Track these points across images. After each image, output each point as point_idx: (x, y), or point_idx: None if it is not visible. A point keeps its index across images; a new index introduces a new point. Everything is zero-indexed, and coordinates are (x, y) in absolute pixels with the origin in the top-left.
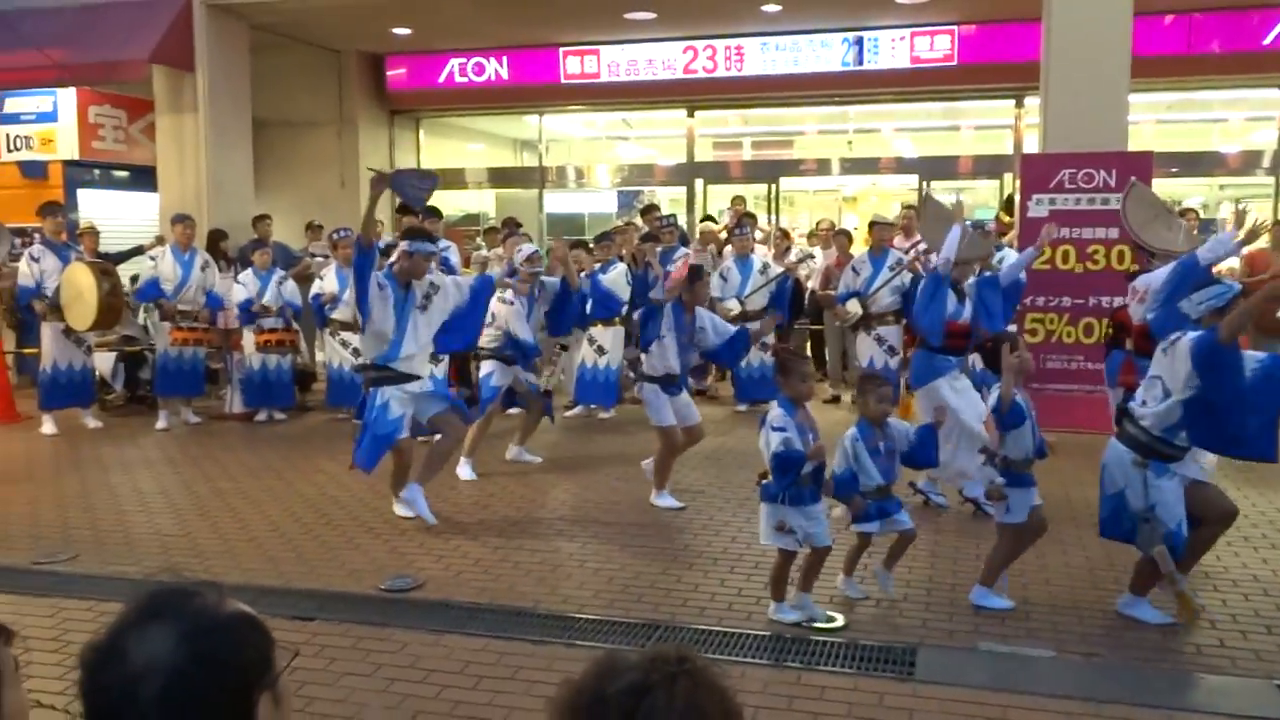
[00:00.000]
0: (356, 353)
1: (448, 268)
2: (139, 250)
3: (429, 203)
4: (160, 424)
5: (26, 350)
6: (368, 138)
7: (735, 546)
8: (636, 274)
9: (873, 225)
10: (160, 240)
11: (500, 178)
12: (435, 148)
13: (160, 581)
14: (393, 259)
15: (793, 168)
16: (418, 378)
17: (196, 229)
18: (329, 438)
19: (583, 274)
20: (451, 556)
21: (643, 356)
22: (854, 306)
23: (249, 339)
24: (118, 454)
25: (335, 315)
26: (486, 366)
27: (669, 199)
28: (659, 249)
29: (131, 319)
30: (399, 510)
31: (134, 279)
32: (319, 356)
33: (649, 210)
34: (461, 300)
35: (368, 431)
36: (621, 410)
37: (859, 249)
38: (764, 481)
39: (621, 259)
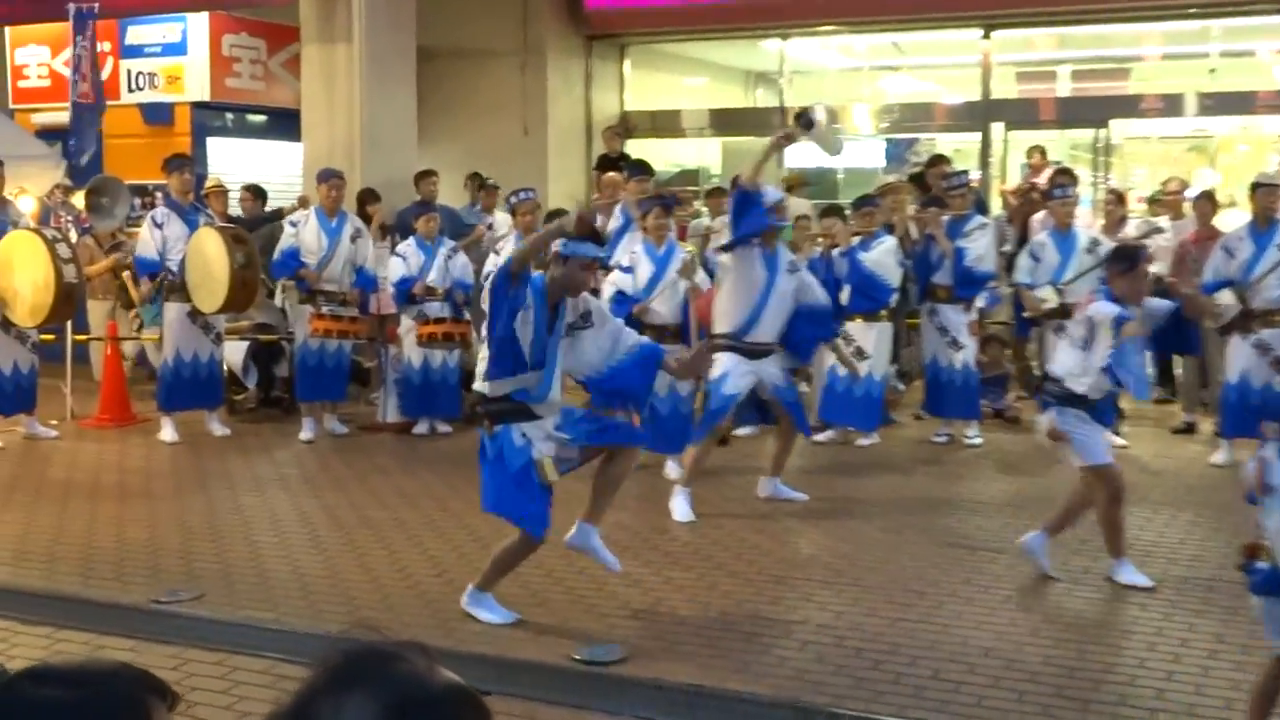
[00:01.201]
0: None
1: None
2: (278, 215)
3: (633, 156)
4: (305, 434)
5: (145, 336)
6: (558, 72)
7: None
8: (914, 251)
9: (1256, 188)
10: (304, 202)
11: (728, 122)
12: (644, 84)
13: (353, 639)
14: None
15: (1129, 106)
16: (553, 411)
17: (346, 189)
18: None
19: (837, 250)
20: (664, 622)
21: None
22: (1227, 298)
23: (409, 330)
24: (249, 469)
25: None
26: (720, 364)
27: (955, 148)
28: (945, 217)
29: (268, 302)
30: (591, 545)
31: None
32: None
33: (935, 163)
34: (614, 355)
35: (501, 475)
36: (888, 436)
37: (1231, 219)
38: (1258, 563)
39: (891, 230)
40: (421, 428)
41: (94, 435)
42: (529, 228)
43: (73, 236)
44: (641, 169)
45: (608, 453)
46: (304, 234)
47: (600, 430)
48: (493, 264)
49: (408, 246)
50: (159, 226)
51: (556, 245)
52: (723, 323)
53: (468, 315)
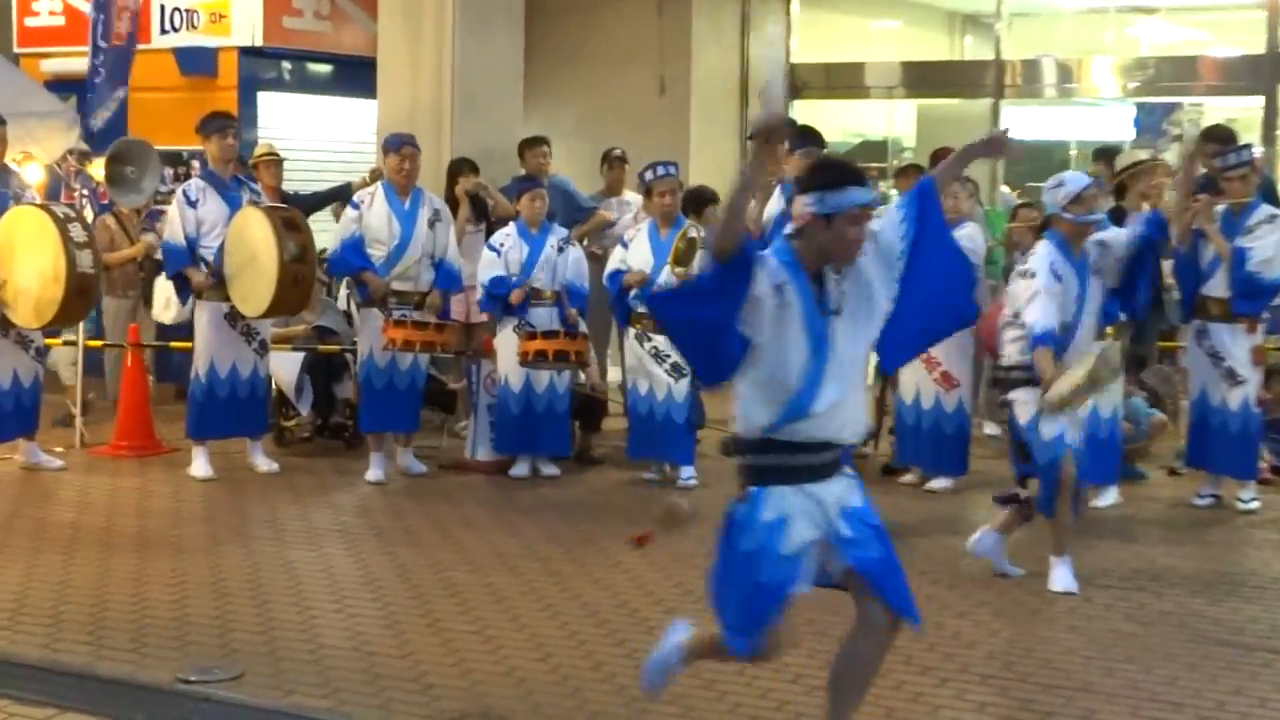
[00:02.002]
0: (677, 368)
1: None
2: (345, 191)
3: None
4: (372, 474)
5: (174, 344)
6: (706, 14)
7: None
8: (1176, 253)
9: None
10: (375, 175)
11: (926, 79)
12: (816, 31)
13: None
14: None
15: None
16: (835, 453)
17: (422, 160)
18: (629, 513)
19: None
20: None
21: None
22: None
23: (507, 342)
24: (301, 516)
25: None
26: (1023, 404)
27: (1230, 117)
28: (1220, 208)
29: (328, 302)
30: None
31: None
32: (612, 374)
33: (1214, 137)
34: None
35: (727, 557)
36: (1131, 494)
37: None
38: None
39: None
40: (521, 468)
41: (108, 467)
42: (668, 213)
43: (89, 215)
44: (810, 139)
45: (860, 613)
46: (370, 218)
47: (882, 568)
48: (619, 261)
49: (507, 235)
50: (192, 204)
51: (807, 205)
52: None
53: (583, 327)
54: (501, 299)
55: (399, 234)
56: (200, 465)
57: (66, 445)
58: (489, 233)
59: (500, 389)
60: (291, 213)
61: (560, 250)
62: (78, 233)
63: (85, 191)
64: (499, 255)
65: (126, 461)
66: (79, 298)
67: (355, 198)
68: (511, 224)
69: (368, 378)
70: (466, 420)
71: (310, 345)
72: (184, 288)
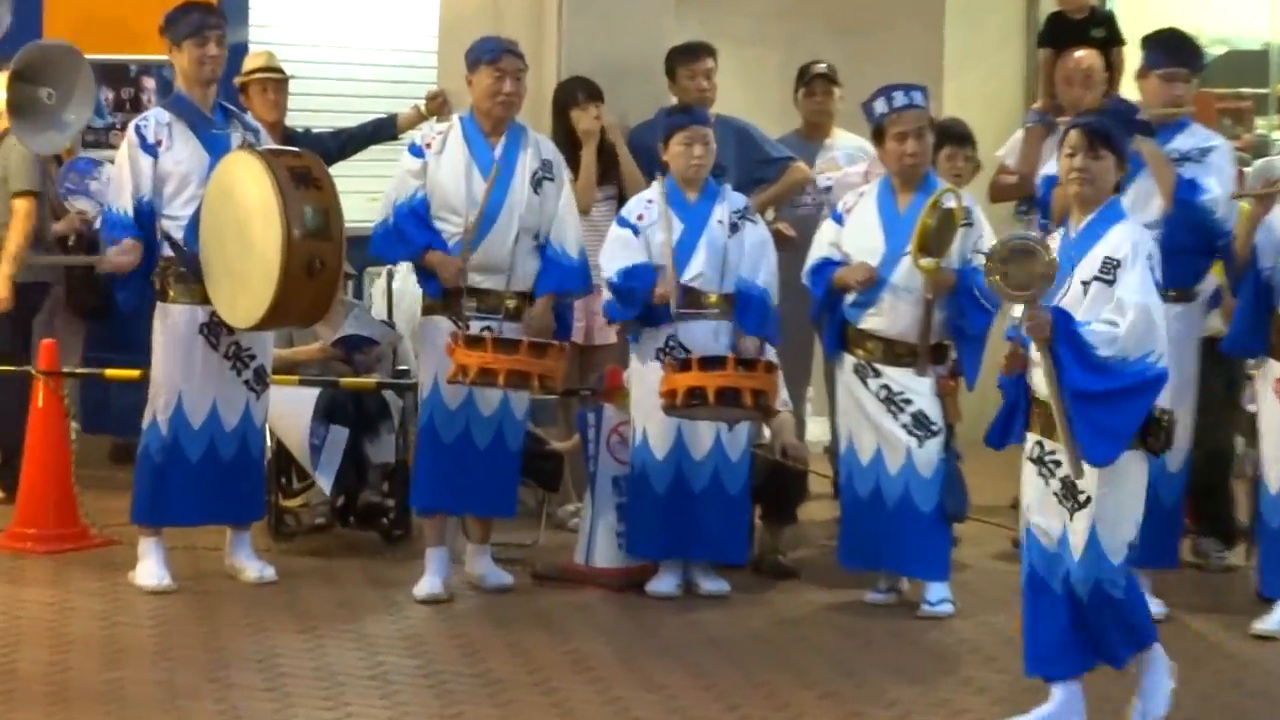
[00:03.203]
0: (922, 421)
1: None
2: (387, 128)
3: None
4: (427, 585)
5: (111, 373)
6: None
7: None
8: None
9: None
10: (437, 106)
11: None
12: None
13: None
14: None
15: None
16: None
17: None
18: (842, 658)
19: None
20: None
21: None
22: None
23: (646, 377)
24: (314, 655)
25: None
26: None
27: None
28: None
29: (356, 306)
30: None
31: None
32: (814, 429)
33: None
34: None
35: None
36: None
37: None
38: None
39: None
40: (666, 583)
41: (6, 569)
42: (911, 167)
43: None
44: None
45: None
46: (439, 173)
47: None
48: (829, 246)
49: (648, 203)
50: (150, 149)
51: None
52: None
53: (769, 354)
54: (639, 300)
55: (485, 198)
56: (151, 569)
57: None
58: (621, 201)
59: (635, 452)
60: (304, 160)
61: (734, 228)
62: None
63: None
64: (636, 234)
65: (33, 561)
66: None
67: (415, 139)
68: (654, 185)
69: (429, 428)
70: (579, 503)
71: (330, 379)
72: (128, 284)
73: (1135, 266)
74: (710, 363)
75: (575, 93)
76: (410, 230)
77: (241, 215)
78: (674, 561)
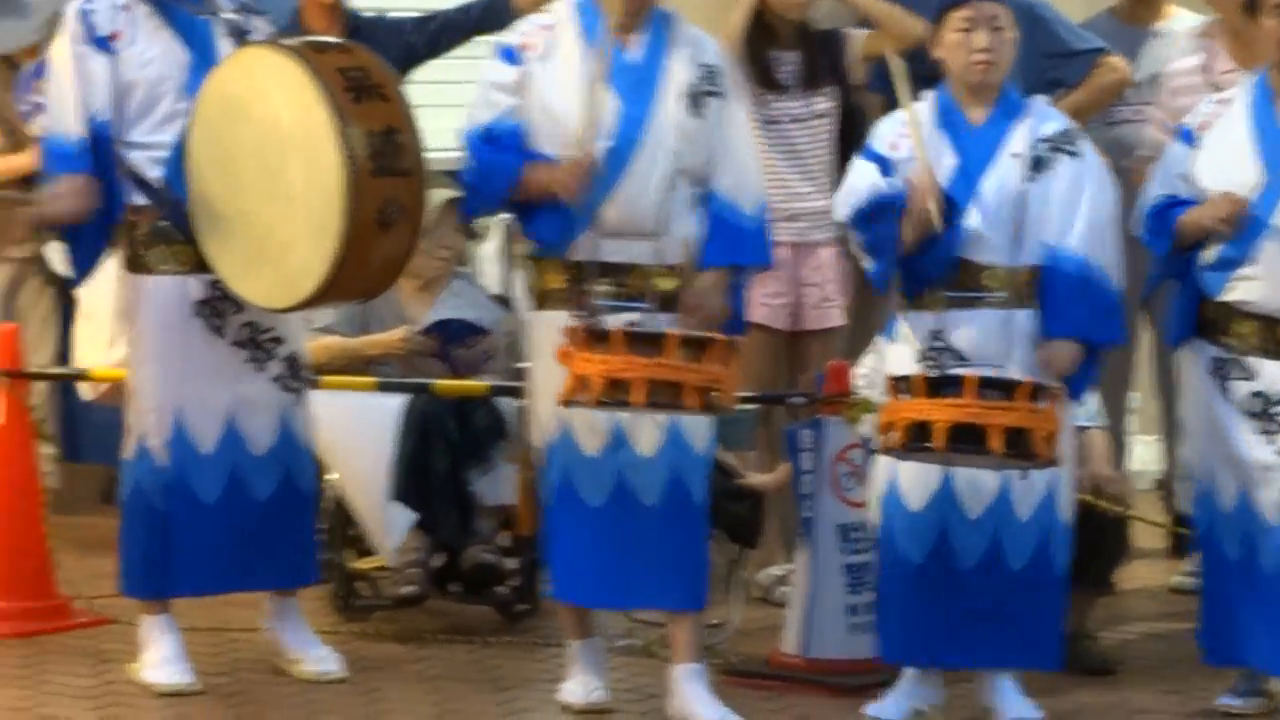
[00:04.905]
0: None
1: None
2: (498, 10)
3: None
4: (581, 690)
5: (96, 372)
6: None
7: None
8: None
9: None
10: None
11: None
12: None
13: None
14: None
15: None
16: None
17: None
18: None
19: None
20: None
21: None
22: None
23: (874, 389)
24: None
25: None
26: None
27: None
28: None
29: (461, 278)
30: None
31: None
32: (1144, 454)
33: None
34: None
35: None
36: None
37: None
38: None
39: None
40: (920, 692)
41: None
42: None
43: None
44: None
45: None
46: (542, 86)
47: None
48: (1174, 176)
49: (902, 128)
50: (101, 43)
51: None
52: None
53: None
54: (885, 245)
55: (615, 122)
56: (161, 660)
57: None
58: (849, 143)
59: (884, 501)
60: (358, 57)
61: (1037, 164)
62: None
63: None
64: (886, 170)
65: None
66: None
67: (506, 40)
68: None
69: (563, 486)
70: (788, 564)
71: (418, 379)
72: (79, 243)
73: None
74: (943, 385)
75: None
76: (505, 167)
77: (267, 144)
78: (931, 656)
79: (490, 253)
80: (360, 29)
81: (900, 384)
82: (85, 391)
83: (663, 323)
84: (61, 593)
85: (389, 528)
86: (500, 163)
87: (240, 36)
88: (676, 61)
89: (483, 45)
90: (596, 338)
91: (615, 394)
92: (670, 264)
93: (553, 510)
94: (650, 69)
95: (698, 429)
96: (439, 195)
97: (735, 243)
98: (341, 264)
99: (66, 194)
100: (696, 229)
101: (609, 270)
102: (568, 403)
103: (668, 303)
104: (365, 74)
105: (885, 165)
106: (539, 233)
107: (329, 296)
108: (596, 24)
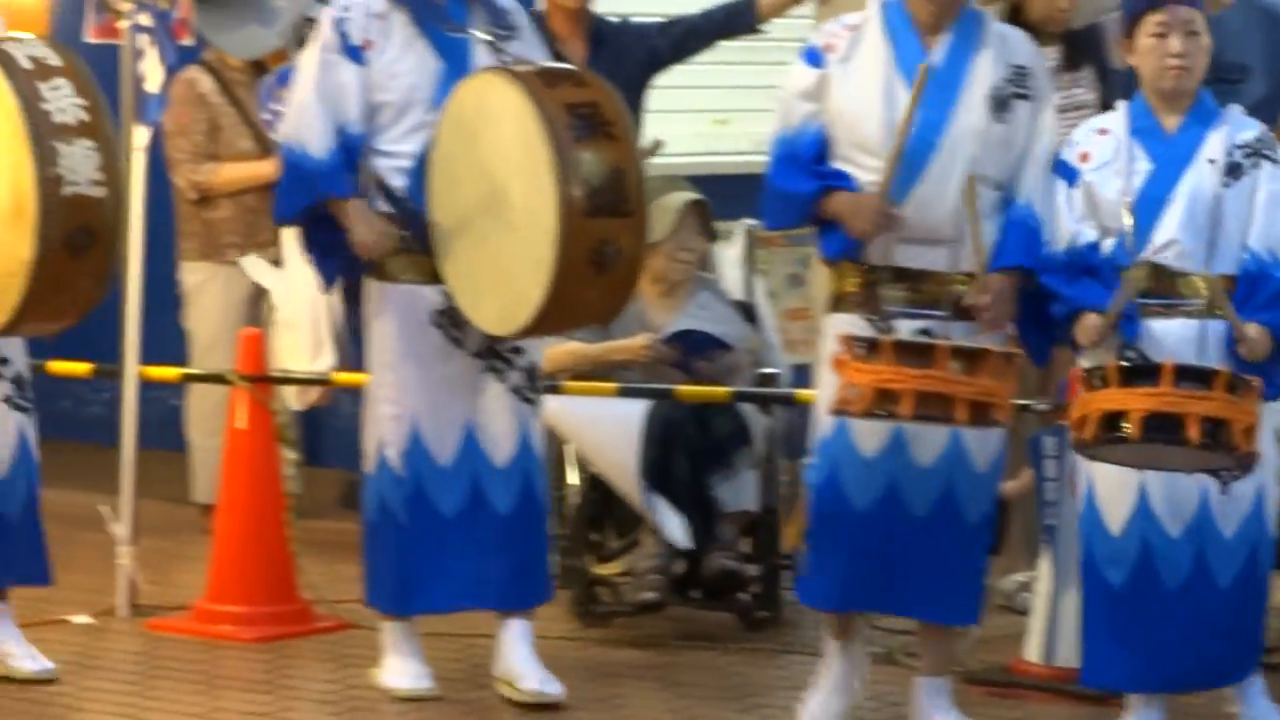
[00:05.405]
0: None
1: None
2: (744, 13)
3: None
4: (824, 702)
5: (338, 377)
6: None
7: None
8: None
9: None
10: None
11: None
12: None
13: None
14: None
15: None
16: None
17: None
18: None
19: None
20: None
21: None
22: None
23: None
24: None
25: None
26: None
27: None
28: None
29: (706, 289)
30: None
31: None
32: None
33: None
34: None
35: None
36: None
37: None
38: None
39: None
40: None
41: (187, 664)
42: None
43: (154, 68)
44: None
45: None
46: (846, 90)
47: None
48: None
49: (1098, 134)
50: (353, 53)
51: None
52: None
53: None
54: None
55: (908, 123)
56: (402, 665)
57: (94, 608)
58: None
59: (1082, 519)
60: (591, 90)
61: (1232, 171)
62: (61, 102)
63: (142, 20)
64: (1073, 182)
65: (234, 652)
66: (68, 258)
67: (812, 39)
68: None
69: (829, 486)
70: (1030, 571)
71: (660, 384)
72: (335, 255)
73: None
74: (1189, 378)
75: None
76: (790, 180)
77: (494, 169)
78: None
79: (732, 257)
80: (604, 35)
81: (1094, 375)
82: (292, 399)
83: (956, 331)
84: (303, 597)
85: (664, 521)
86: (800, 191)
87: (495, 54)
88: (983, 63)
89: (726, 50)
90: (869, 348)
91: (884, 404)
92: (966, 270)
93: (817, 511)
94: (953, 72)
95: (983, 445)
96: (680, 198)
97: (1029, 246)
98: (554, 299)
99: (363, 230)
100: (993, 235)
101: (903, 276)
102: (837, 411)
103: (965, 312)
104: (594, 110)
105: (1073, 176)
106: (829, 249)
107: (544, 328)
108: (902, 24)
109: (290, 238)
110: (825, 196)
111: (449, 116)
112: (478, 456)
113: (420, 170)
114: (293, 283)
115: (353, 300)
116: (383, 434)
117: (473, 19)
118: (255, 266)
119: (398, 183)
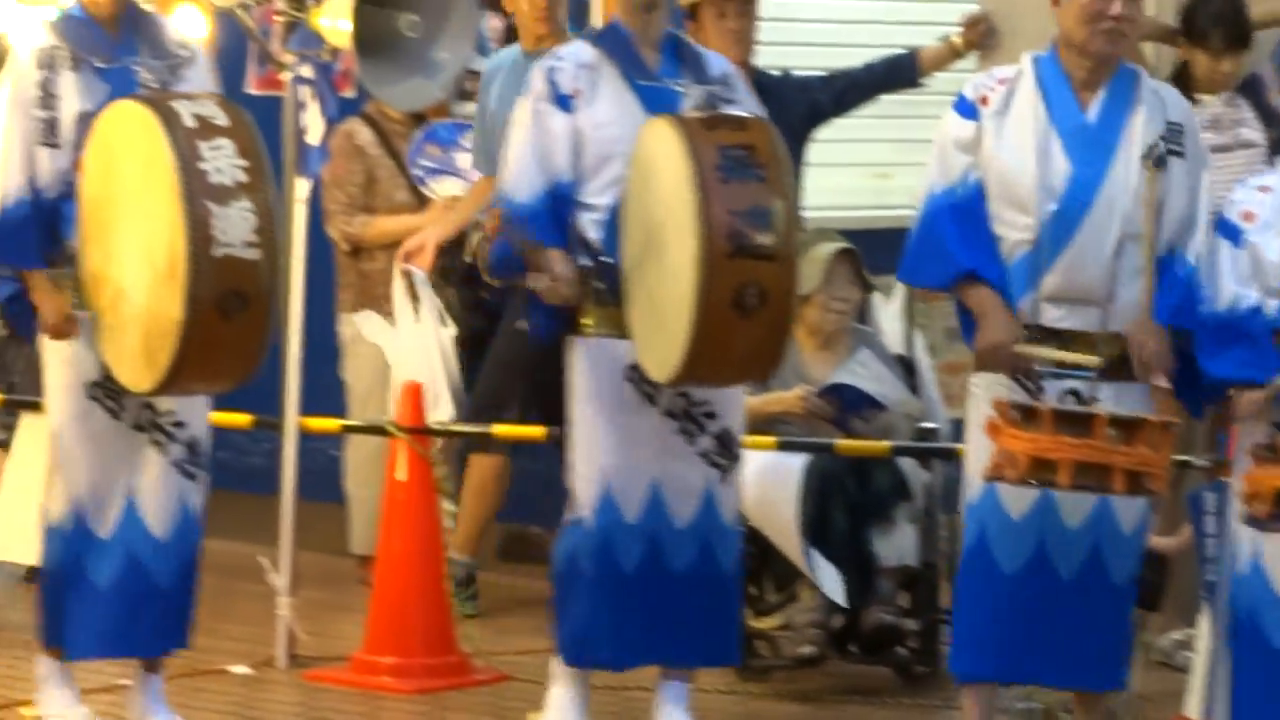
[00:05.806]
0: None
1: None
2: (905, 67)
3: None
4: None
5: (498, 429)
6: None
7: None
8: None
9: None
10: (982, 31)
11: None
12: None
13: None
14: None
15: None
16: None
17: None
18: None
19: None
20: None
21: None
22: None
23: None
24: None
25: None
26: None
27: None
28: None
29: (867, 346)
30: None
31: None
32: None
33: None
34: None
35: None
36: None
37: None
38: None
39: None
40: None
41: (356, 713)
42: None
43: (314, 119)
44: None
45: None
46: (1000, 145)
47: None
48: None
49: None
50: (563, 102)
51: None
52: None
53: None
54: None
55: (1065, 182)
56: (561, 714)
57: (253, 659)
58: None
59: (1246, 572)
60: (748, 133)
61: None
62: (220, 163)
63: (304, 72)
64: (1240, 240)
65: (392, 703)
66: (219, 319)
67: (965, 92)
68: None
69: (979, 551)
70: (1189, 629)
71: (818, 439)
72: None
73: None
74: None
75: (1208, 29)
76: (951, 239)
77: (655, 213)
78: None
79: (893, 311)
80: (766, 87)
81: (1264, 451)
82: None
83: (1104, 391)
84: (461, 649)
85: (821, 576)
86: (951, 251)
87: (707, 111)
88: (1137, 121)
89: (888, 103)
90: (1025, 415)
91: (1042, 473)
92: (1115, 331)
93: (966, 574)
94: (1108, 130)
95: (1129, 509)
96: (829, 248)
97: (1190, 308)
98: (698, 341)
99: (557, 276)
100: (1136, 294)
101: (1051, 336)
102: (992, 478)
103: (1113, 373)
104: (749, 153)
105: (1236, 237)
106: (967, 320)
107: (697, 374)
108: (1056, 80)
109: (400, 294)
110: (969, 283)
111: (633, 166)
112: (660, 515)
113: (614, 222)
114: (404, 339)
115: (476, 354)
116: (579, 491)
117: (683, 74)
118: (369, 323)
119: (594, 235)
